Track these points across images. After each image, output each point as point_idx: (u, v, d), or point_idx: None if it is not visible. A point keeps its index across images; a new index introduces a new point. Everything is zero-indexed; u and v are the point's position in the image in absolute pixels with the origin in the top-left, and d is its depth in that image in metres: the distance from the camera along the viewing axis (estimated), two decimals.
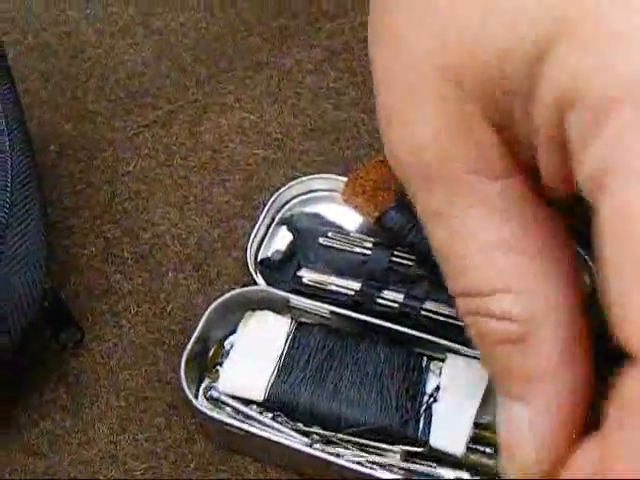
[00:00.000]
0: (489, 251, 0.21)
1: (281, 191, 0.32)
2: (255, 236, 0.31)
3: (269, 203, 0.32)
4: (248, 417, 0.28)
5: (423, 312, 0.29)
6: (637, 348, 0.17)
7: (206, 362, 0.29)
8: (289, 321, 0.29)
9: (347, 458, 0.27)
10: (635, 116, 0.17)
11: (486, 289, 0.21)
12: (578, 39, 0.17)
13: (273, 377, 0.28)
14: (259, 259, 0.31)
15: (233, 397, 0.28)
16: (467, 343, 0.26)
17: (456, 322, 0.28)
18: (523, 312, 0.21)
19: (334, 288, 0.30)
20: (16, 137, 0.29)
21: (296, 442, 0.27)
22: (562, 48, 0.18)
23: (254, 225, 0.31)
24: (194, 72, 0.39)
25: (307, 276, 0.30)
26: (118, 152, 0.36)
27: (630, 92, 0.17)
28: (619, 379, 0.18)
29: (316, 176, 0.32)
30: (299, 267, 0.30)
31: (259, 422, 0.28)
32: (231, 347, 0.29)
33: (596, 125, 0.17)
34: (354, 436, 0.27)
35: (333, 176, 0.32)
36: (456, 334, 0.27)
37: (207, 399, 0.29)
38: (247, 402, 0.28)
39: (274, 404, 0.28)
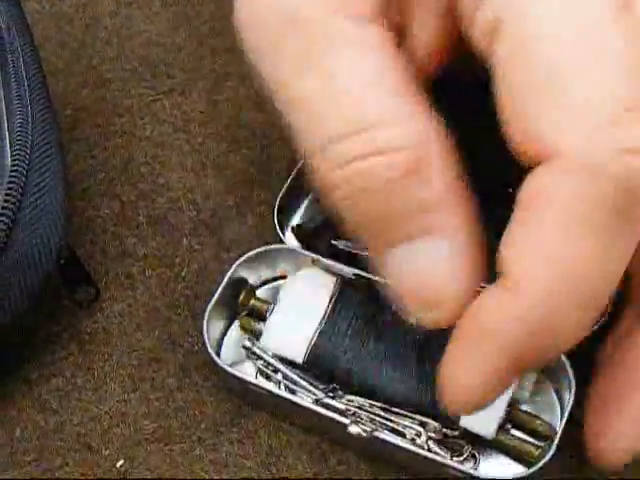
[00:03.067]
0: (369, 87, 0.21)
1: None
2: (282, 198, 0.31)
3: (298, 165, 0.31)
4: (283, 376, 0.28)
5: None
6: (540, 149, 0.19)
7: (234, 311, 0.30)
8: (334, 280, 0.29)
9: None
10: None
11: (373, 120, 0.20)
12: None
13: (314, 340, 0.28)
14: (293, 224, 0.31)
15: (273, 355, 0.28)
16: None
17: None
18: (411, 137, 0.20)
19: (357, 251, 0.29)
20: (37, 90, 0.29)
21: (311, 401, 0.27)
22: None
23: (282, 187, 0.31)
24: (210, 44, 0.39)
25: (342, 244, 0.30)
26: (135, 118, 0.36)
27: None
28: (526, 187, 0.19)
29: None
30: (333, 237, 0.30)
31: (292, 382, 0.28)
32: (274, 304, 0.29)
33: None
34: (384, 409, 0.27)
35: None
36: None
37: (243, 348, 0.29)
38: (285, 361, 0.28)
39: (313, 367, 0.28)
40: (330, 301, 0.29)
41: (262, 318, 0.29)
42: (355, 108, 0.21)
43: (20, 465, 0.28)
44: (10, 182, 0.27)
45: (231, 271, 0.29)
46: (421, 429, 0.27)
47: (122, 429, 0.29)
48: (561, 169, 0.18)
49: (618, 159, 0.18)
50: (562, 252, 0.19)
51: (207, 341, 0.28)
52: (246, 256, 0.30)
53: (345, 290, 0.29)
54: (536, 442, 0.27)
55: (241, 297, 0.29)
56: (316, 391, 0.28)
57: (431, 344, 0.27)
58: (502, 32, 0.20)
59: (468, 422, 0.26)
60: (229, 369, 0.28)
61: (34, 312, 0.30)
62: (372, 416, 0.27)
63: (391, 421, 0.27)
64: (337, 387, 0.28)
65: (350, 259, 0.30)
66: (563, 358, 0.27)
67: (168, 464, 0.28)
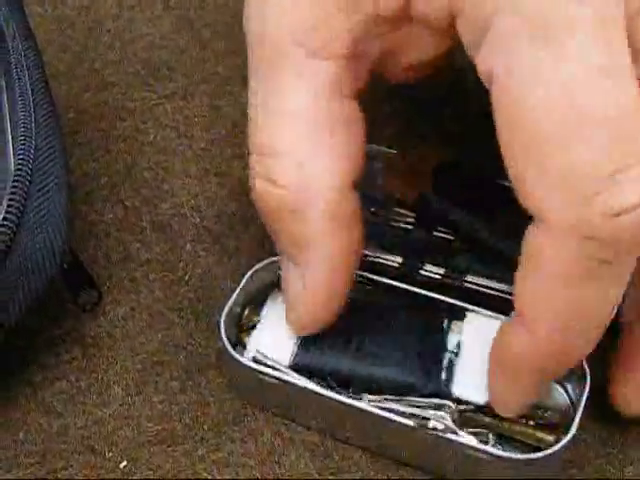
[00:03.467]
0: (286, 116, 0.23)
1: None
2: None
3: None
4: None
5: (466, 284, 0.29)
6: (533, 211, 0.21)
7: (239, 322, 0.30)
8: None
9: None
10: (508, 23, 0.20)
11: (274, 149, 0.24)
12: None
13: (299, 343, 0.28)
14: None
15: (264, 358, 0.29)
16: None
17: (500, 294, 0.29)
18: (299, 181, 0.24)
19: (376, 260, 0.30)
20: (40, 94, 0.29)
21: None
22: None
23: None
24: (213, 47, 0.39)
25: None
26: (138, 122, 0.36)
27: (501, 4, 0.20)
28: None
29: None
30: None
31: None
32: (266, 310, 0.29)
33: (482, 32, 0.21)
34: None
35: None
36: (500, 306, 0.28)
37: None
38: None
39: (301, 370, 0.28)
40: None
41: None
42: (269, 131, 0.24)
43: (24, 467, 0.28)
44: (13, 186, 0.27)
45: (241, 286, 0.29)
46: (444, 414, 0.27)
47: (125, 431, 0.29)
48: (552, 233, 0.21)
49: (605, 224, 0.20)
50: (562, 297, 0.21)
51: (224, 337, 0.28)
52: (255, 267, 0.30)
53: None
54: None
55: (246, 313, 0.30)
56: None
57: (412, 331, 0.28)
58: (493, 84, 0.21)
59: (460, 390, 0.27)
60: (251, 364, 0.28)
61: (38, 315, 0.30)
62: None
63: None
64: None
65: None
66: None
67: (171, 465, 0.29)
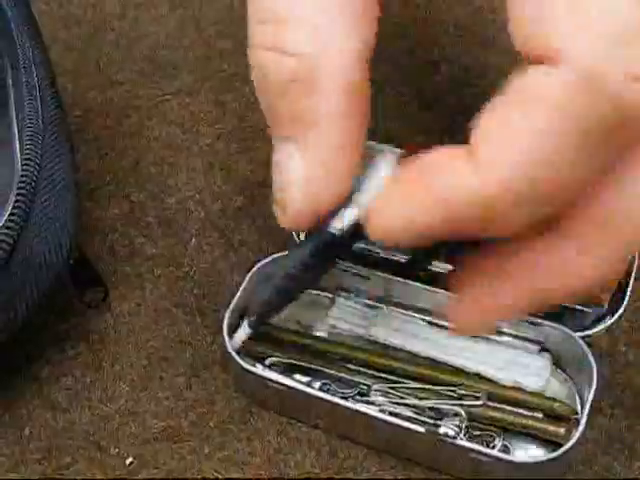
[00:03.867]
0: None
1: None
2: None
3: None
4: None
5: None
6: (547, 51, 0.18)
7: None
8: None
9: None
10: None
11: (281, 15, 0.21)
12: None
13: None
14: None
15: None
16: None
17: None
18: (312, 49, 0.21)
19: (384, 256, 0.30)
20: (47, 91, 0.29)
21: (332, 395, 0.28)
22: None
23: None
24: (218, 46, 0.39)
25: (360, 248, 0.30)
26: (144, 119, 0.36)
27: None
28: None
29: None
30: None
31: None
32: None
33: None
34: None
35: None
36: None
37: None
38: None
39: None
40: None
41: None
42: None
43: (30, 463, 0.28)
44: (21, 182, 0.27)
45: (245, 283, 0.29)
46: (453, 424, 0.27)
47: (131, 428, 0.29)
48: (562, 73, 0.18)
49: (622, 80, 0.18)
50: (534, 148, 0.18)
51: (227, 340, 0.28)
52: (260, 264, 0.29)
53: None
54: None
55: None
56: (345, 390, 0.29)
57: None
58: None
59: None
60: (252, 369, 0.28)
61: (43, 311, 0.30)
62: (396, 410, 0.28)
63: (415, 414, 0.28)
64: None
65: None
66: (584, 348, 0.27)
67: (177, 462, 0.28)
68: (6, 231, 0.26)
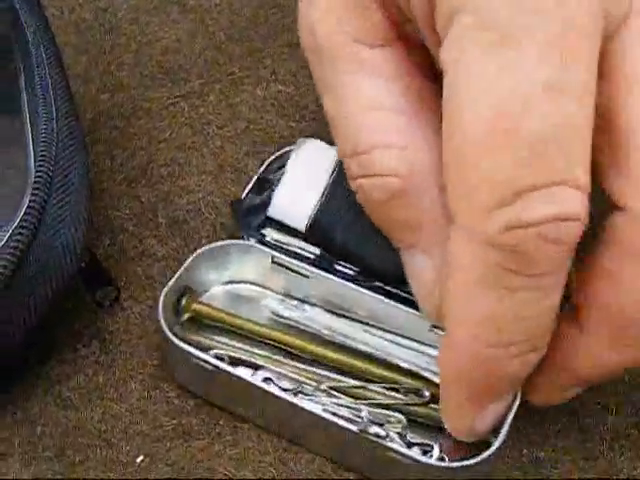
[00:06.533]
0: (370, 111, 0.23)
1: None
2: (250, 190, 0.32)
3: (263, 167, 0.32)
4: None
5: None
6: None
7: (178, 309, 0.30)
8: (334, 153, 0.30)
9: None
10: (467, 22, 0.20)
11: (367, 146, 0.23)
12: None
13: (315, 211, 0.29)
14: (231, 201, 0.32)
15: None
16: None
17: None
18: (403, 166, 0.23)
19: (296, 250, 0.30)
20: (60, 92, 0.30)
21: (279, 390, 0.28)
22: None
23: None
24: (228, 50, 0.39)
25: (270, 235, 0.31)
26: (154, 120, 0.36)
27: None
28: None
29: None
30: (265, 223, 0.31)
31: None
32: (282, 174, 0.31)
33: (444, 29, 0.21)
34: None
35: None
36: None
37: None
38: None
39: (312, 237, 0.29)
40: (331, 173, 0.30)
41: None
42: (358, 131, 0.24)
43: (41, 461, 0.29)
44: (36, 182, 0.27)
45: (180, 271, 0.30)
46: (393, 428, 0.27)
47: (142, 426, 0.29)
48: (462, 237, 0.21)
49: (504, 233, 0.20)
50: (478, 305, 0.21)
51: (163, 322, 0.28)
52: (198, 252, 0.30)
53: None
54: None
55: (184, 302, 0.30)
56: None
57: None
58: (444, 79, 0.21)
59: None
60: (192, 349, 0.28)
61: (56, 311, 0.30)
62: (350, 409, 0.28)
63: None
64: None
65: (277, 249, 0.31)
66: None
67: (187, 460, 0.29)
68: (21, 230, 0.27)
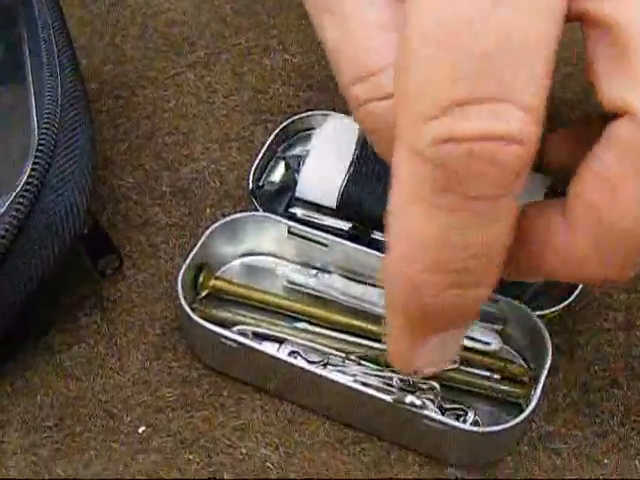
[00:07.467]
0: (375, 32, 0.22)
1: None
2: (257, 166, 0.32)
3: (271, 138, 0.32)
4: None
5: None
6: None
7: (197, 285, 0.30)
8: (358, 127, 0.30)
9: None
10: None
11: (376, 66, 0.22)
12: None
13: (344, 186, 0.29)
14: (251, 187, 0.31)
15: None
16: None
17: None
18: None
19: (327, 224, 0.30)
20: (65, 59, 0.29)
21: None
22: None
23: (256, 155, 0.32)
24: (234, 23, 0.39)
25: (300, 212, 0.30)
26: (159, 90, 0.36)
27: None
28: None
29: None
30: (291, 202, 0.31)
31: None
32: (307, 153, 0.31)
33: None
34: None
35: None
36: None
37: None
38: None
39: (342, 211, 0.29)
40: (356, 147, 0.30)
41: None
42: (364, 54, 0.22)
43: (42, 431, 0.28)
44: (39, 146, 0.27)
45: (197, 247, 0.29)
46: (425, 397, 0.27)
47: (144, 396, 0.29)
48: (398, 148, 0.20)
49: (433, 146, 0.19)
50: (404, 223, 0.20)
51: (182, 300, 0.28)
52: (214, 226, 0.30)
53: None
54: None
55: (201, 279, 0.30)
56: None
57: None
58: None
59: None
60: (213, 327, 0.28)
61: (56, 279, 0.30)
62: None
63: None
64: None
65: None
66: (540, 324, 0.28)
67: (190, 431, 0.28)
68: (24, 193, 0.26)
